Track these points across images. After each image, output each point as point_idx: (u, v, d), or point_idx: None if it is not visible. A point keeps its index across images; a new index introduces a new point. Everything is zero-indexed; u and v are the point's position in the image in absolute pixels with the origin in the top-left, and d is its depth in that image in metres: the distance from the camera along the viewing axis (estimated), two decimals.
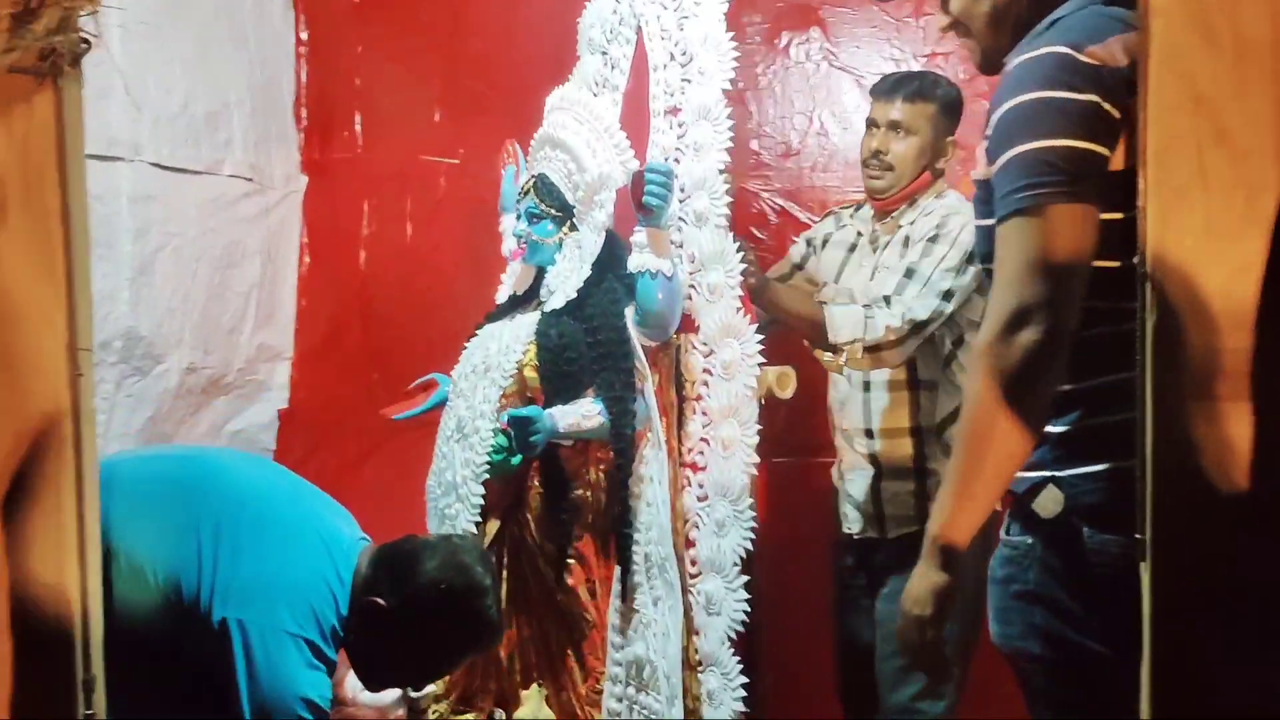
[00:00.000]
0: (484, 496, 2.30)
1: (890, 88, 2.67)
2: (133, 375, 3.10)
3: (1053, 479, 1.55)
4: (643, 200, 2.27)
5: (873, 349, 2.41)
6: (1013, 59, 1.53)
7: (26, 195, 1.52)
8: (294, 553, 1.98)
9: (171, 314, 3.22)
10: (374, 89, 3.82)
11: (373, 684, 2.14)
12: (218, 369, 3.47)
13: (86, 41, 1.54)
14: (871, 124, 2.67)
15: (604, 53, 2.63)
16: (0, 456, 1.54)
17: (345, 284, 3.83)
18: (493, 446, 2.28)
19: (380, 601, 1.95)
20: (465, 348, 2.52)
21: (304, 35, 3.84)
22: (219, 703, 1.92)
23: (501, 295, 2.68)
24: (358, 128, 3.87)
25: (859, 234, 2.76)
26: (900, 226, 2.62)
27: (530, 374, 2.36)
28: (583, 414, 2.30)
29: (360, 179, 3.85)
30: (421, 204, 3.77)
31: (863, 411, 2.59)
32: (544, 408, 2.30)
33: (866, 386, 2.59)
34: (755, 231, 3.52)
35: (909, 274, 2.48)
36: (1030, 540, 1.59)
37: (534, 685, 2.20)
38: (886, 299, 2.45)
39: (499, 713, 2.21)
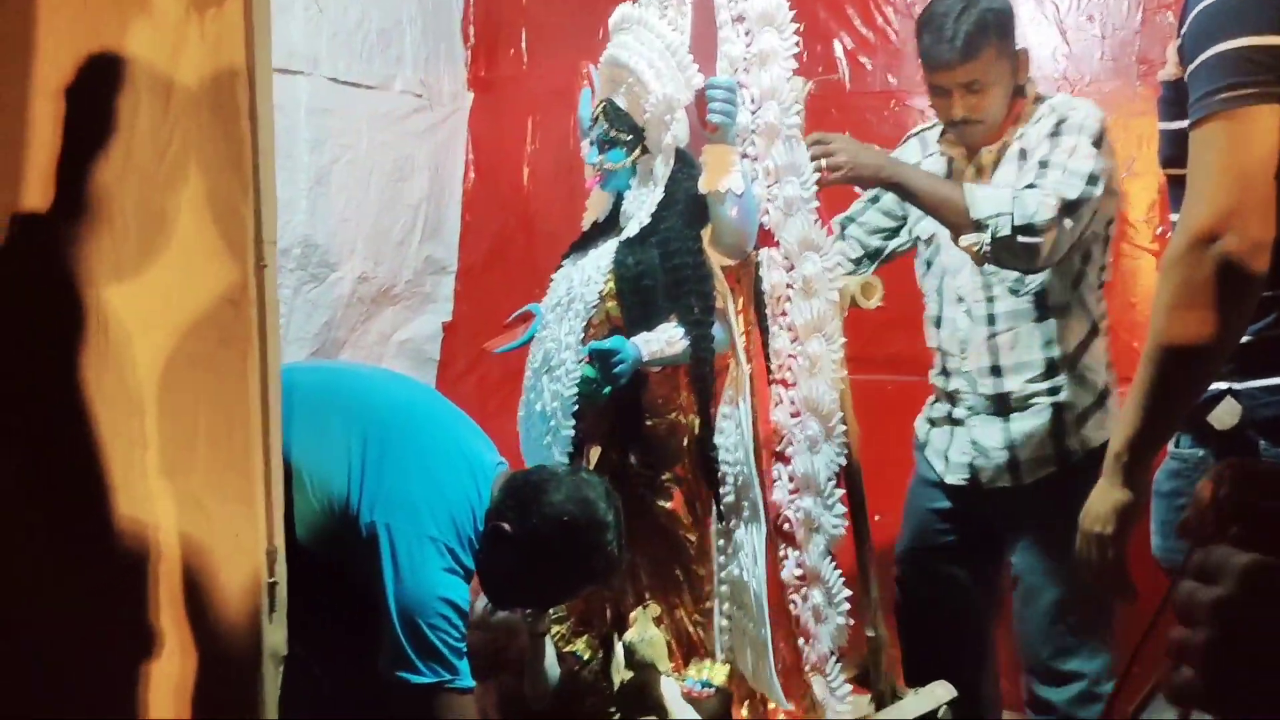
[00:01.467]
0: (576, 428, 2.32)
1: (945, 55, 2.34)
2: (310, 282, 3.25)
3: (1230, 391, 1.52)
4: (708, 118, 2.22)
5: (1024, 229, 2.16)
6: None
7: (217, 93, 1.62)
8: (438, 467, 2.09)
9: (345, 224, 3.36)
10: (539, 7, 3.87)
11: (498, 604, 2.27)
12: (386, 279, 3.61)
13: None
14: (940, 92, 2.39)
15: None
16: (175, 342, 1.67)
17: (508, 200, 3.92)
18: (579, 379, 2.29)
19: (506, 527, 2.04)
20: (552, 280, 2.53)
21: None
22: (370, 610, 2.04)
23: (585, 223, 2.65)
24: (523, 46, 3.92)
25: (952, 161, 2.51)
26: (1008, 145, 2.41)
27: (612, 304, 2.35)
28: (666, 340, 2.28)
29: (525, 96, 3.92)
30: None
31: (988, 348, 2.40)
32: (627, 336, 2.30)
33: (991, 320, 2.40)
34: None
35: (1044, 165, 2.27)
36: (1202, 453, 1.55)
37: (641, 607, 2.23)
38: (1029, 186, 2.24)
39: (614, 634, 2.26)
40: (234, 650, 1.69)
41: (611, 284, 2.30)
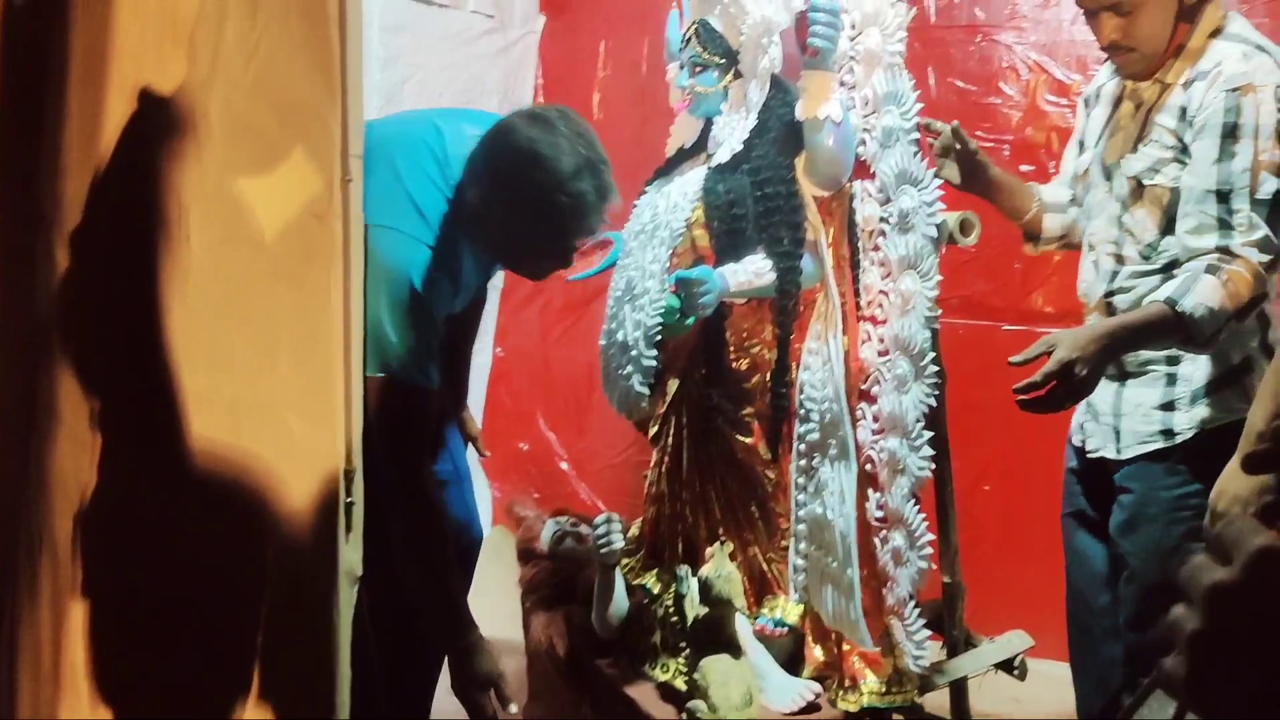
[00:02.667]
0: (657, 358, 2.27)
1: None
2: None
3: None
4: (808, 42, 2.13)
5: (1201, 324, 1.93)
6: None
7: (307, 3, 1.57)
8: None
9: None
10: None
11: (523, 272, 2.50)
12: None
13: None
14: (1089, 11, 2.12)
15: None
16: (272, 254, 1.64)
17: None
18: (664, 308, 2.23)
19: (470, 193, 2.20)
20: (635, 206, 2.46)
21: None
22: None
23: (670, 148, 2.54)
24: None
25: (1123, 85, 2.26)
26: (1168, 86, 2.13)
27: (699, 233, 2.27)
28: (754, 271, 2.19)
29: (597, 20, 3.84)
30: (657, 48, 3.73)
31: (1105, 306, 2.22)
32: (714, 266, 2.22)
33: (1113, 276, 2.21)
34: (1005, 88, 3.35)
35: (1223, 199, 1.99)
36: None
37: (718, 542, 2.20)
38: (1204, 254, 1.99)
39: (684, 568, 2.23)
40: (307, 569, 1.68)
41: (700, 212, 2.24)
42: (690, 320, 2.15)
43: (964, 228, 2.16)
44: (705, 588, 2.09)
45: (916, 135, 2.16)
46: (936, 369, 2.13)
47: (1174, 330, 1.93)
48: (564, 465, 3.97)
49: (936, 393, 2.13)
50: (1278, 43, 2.07)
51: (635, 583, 2.35)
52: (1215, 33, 2.08)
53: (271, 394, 1.62)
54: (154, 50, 1.64)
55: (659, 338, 2.22)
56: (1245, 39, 2.06)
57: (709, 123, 2.34)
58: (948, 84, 3.43)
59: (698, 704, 2.05)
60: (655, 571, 2.39)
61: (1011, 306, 3.34)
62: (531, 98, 3.86)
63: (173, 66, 1.62)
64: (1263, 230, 1.96)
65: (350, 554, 1.66)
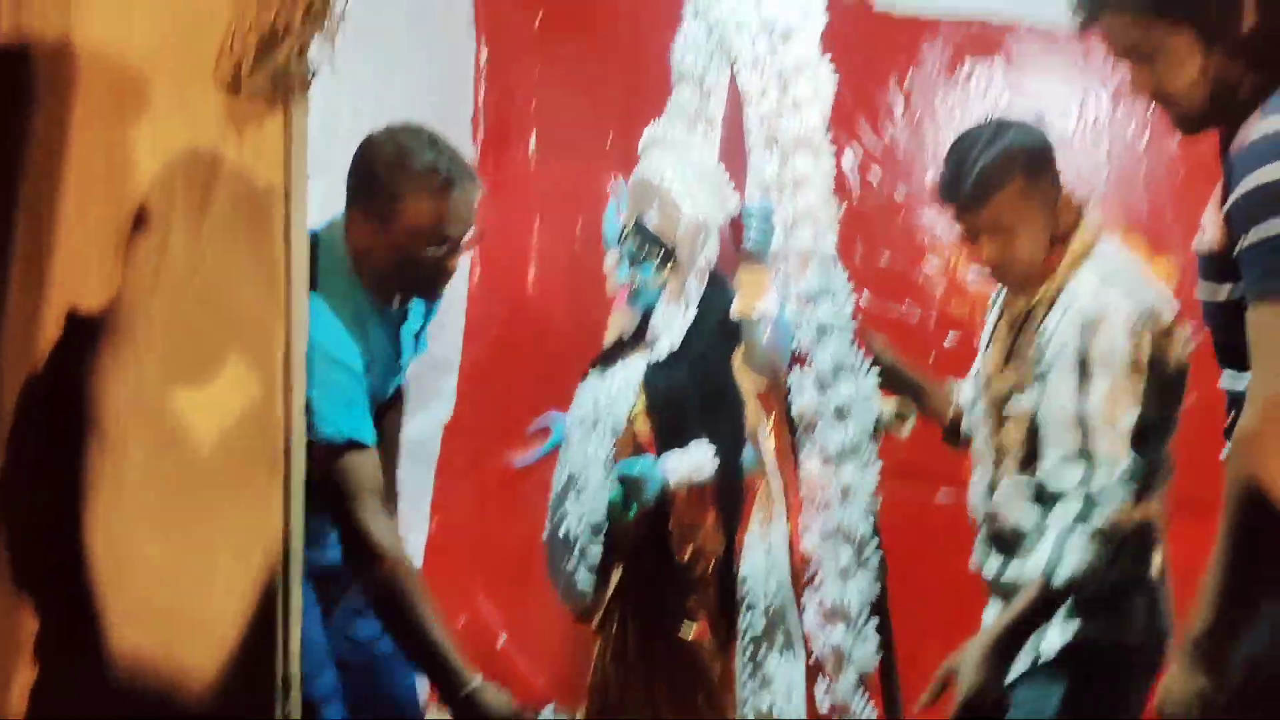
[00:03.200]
0: (602, 551, 2.28)
1: (952, 190, 2.06)
2: None
3: None
4: (744, 241, 2.22)
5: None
6: (1262, 124, 1.43)
7: (254, 212, 1.60)
8: None
9: None
10: (549, 110, 3.89)
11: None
12: None
13: (315, 70, 1.61)
14: (962, 236, 2.10)
15: (698, 83, 2.57)
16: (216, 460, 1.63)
17: (514, 299, 3.90)
18: (608, 500, 2.25)
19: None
20: (577, 393, 2.50)
21: (484, 57, 3.94)
22: None
23: (609, 337, 2.63)
24: (532, 147, 3.94)
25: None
26: (1033, 309, 2.06)
27: (641, 424, 2.33)
28: (695, 463, 2.27)
29: (533, 196, 3.92)
30: (592, 224, 3.82)
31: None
32: (656, 457, 2.26)
33: (990, 491, 2.10)
34: (928, 262, 3.46)
35: (1083, 430, 1.95)
36: None
37: None
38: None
39: None
40: None
41: (641, 403, 2.27)
42: (634, 512, 2.16)
43: (899, 417, 2.21)
44: None
45: (852, 326, 2.23)
46: (879, 555, 2.15)
47: (1058, 600, 1.89)
48: (503, 641, 3.89)
49: (880, 581, 2.15)
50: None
51: None
52: (1084, 256, 2.05)
53: (208, 606, 1.59)
54: (95, 259, 1.65)
55: (603, 530, 2.22)
56: (1107, 266, 2.04)
57: (647, 313, 2.40)
58: (873, 257, 3.54)
59: None
60: None
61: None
62: (468, 276, 3.91)
63: (111, 277, 1.63)
64: (1125, 462, 1.91)
65: None
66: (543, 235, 3.94)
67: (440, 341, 3.79)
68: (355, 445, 1.92)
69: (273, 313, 1.61)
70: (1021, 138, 2.06)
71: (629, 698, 2.29)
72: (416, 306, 2.25)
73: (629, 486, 2.15)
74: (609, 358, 2.47)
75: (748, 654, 2.20)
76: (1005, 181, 2.02)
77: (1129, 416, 1.94)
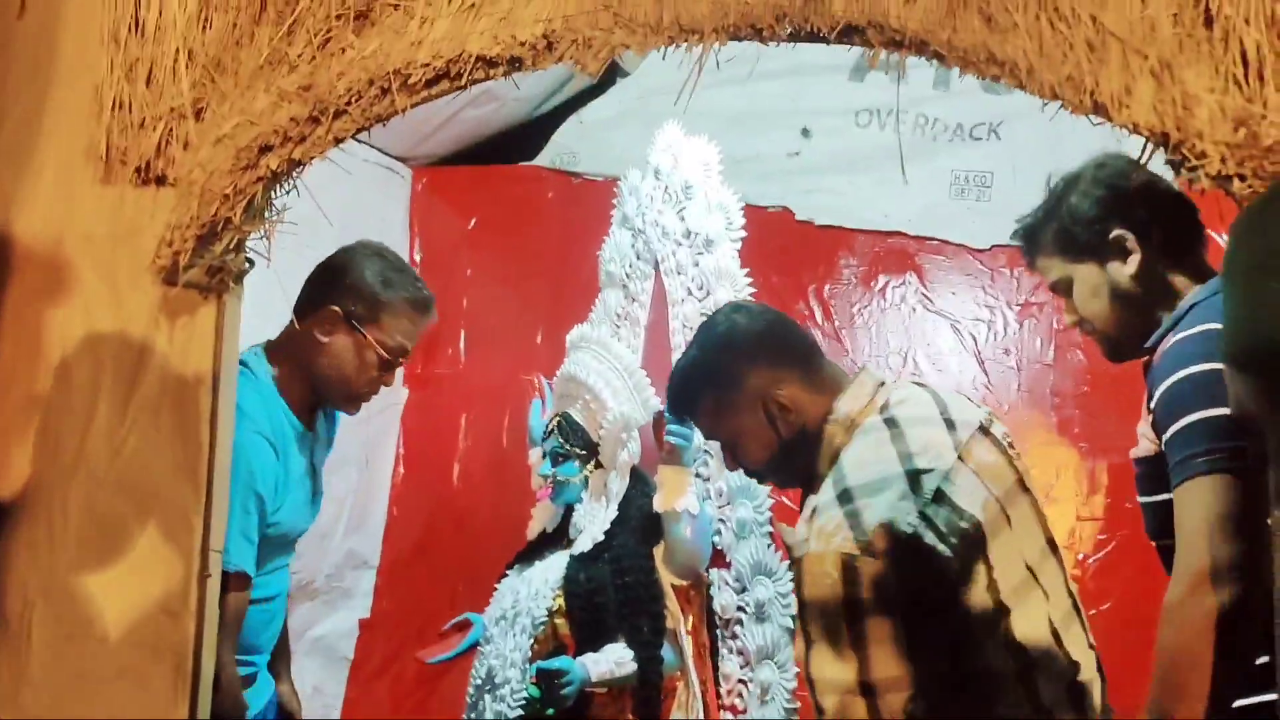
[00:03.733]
0: None
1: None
2: None
3: None
4: (665, 439, 2.28)
5: None
6: (1168, 340, 1.61)
7: (181, 398, 1.61)
8: None
9: None
10: (479, 309, 3.98)
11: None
12: (307, 574, 3.49)
13: (250, 261, 1.65)
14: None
15: (624, 287, 2.66)
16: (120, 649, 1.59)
17: (438, 496, 3.88)
18: (524, 698, 2.23)
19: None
20: (496, 589, 2.49)
21: (418, 257, 4.05)
22: None
23: (532, 532, 2.65)
24: (461, 345, 4.01)
25: None
26: None
27: (561, 621, 2.33)
28: (615, 661, 2.25)
29: (460, 394, 3.96)
30: (518, 421, 3.85)
31: None
32: (575, 654, 2.25)
33: None
34: None
35: None
36: None
37: None
38: None
39: None
40: None
41: (561, 600, 2.27)
42: (551, 711, 2.13)
43: None
44: None
45: (769, 528, 2.26)
46: None
47: None
48: None
49: None
50: None
51: None
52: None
53: None
54: (14, 442, 1.64)
55: None
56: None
57: (570, 509, 2.42)
58: None
59: None
60: None
61: None
62: (392, 467, 3.90)
63: (20, 460, 1.62)
64: None
65: None
66: (469, 432, 3.97)
67: (360, 538, 3.75)
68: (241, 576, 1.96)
69: (194, 500, 1.60)
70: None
71: None
72: (325, 422, 2.33)
73: (547, 683, 2.11)
74: (529, 554, 2.47)
75: None
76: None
77: None
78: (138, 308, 1.61)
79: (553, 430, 2.42)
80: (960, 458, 1.58)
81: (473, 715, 2.28)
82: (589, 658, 2.19)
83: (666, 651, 2.23)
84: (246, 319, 3.03)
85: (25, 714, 1.55)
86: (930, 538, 1.48)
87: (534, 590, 2.30)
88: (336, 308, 2.13)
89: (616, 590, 2.25)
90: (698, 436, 2.28)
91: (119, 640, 1.58)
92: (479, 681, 2.30)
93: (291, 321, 2.21)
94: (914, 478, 1.51)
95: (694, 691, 2.20)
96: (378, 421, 3.81)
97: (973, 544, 1.52)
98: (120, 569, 1.59)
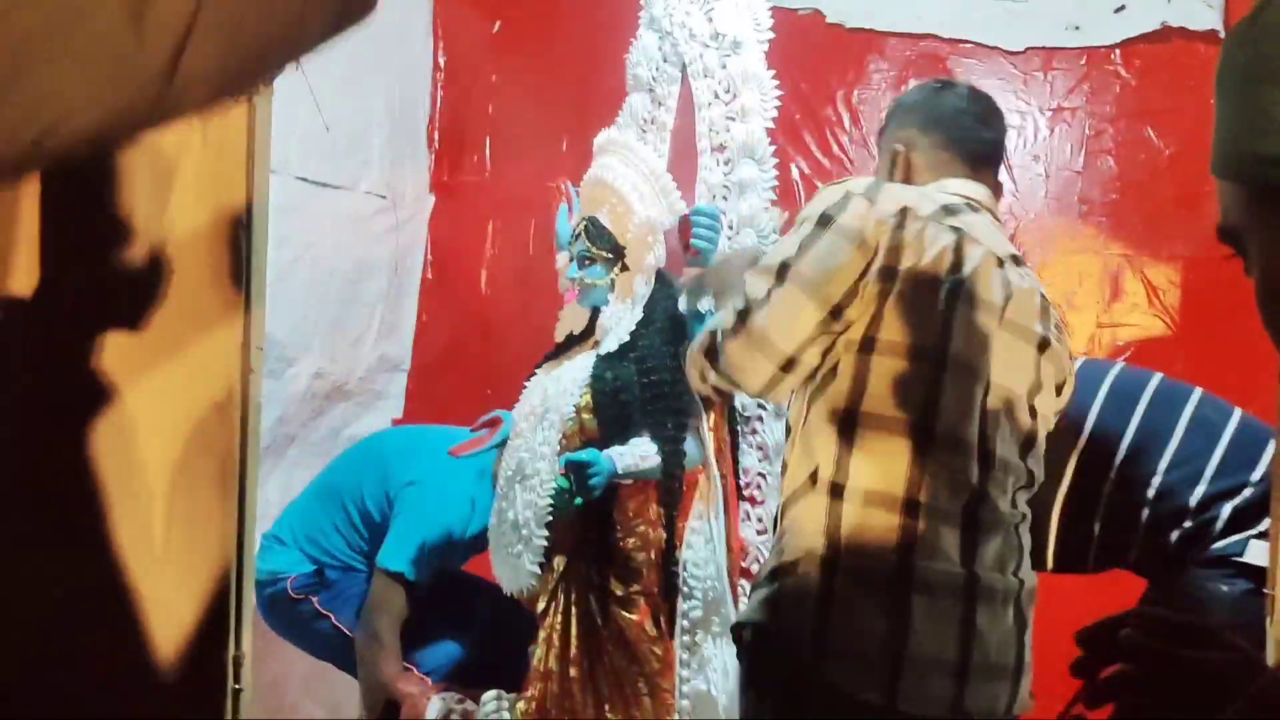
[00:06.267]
0: (548, 538, 2.35)
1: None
2: (268, 377, 3.23)
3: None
4: (691, 242, 2.31)
5: None
6: None
7: (217, 202, 1.64)
8: None
9: (304, 321, 3.37)
10: (505, 116, 3.96)
11: None
12: (341, 376, 3.61)
13: None
14: None
15: (650, 90, 2.65)
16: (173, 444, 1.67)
17: (465, 302, 3.95)
18: (554, 489, 2.33)
19: None
20: (525, 388, 2.58)
21: (442, 61, 4.00)
22: None
23: (559, 334, 2.72)
24: (487, 152, 4.00)
25: None
26: None
27: (588, 417, 2.40)
28: (640, 454, 2.34)
29: (486, 202, 3.98)
30: (545, 229, 3.88)
31: None
32: (601, 449, 2.34)
33: None
34: None
35: None
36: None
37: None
38: None
39: None
40: None
41: (588, 397, 2.34)
42: (579, 501, 2.23)
43: None
44: None
45: None
46: None
47: None
48: None
49: None
50: None
51: None
52: None
53: (163, 583, 1.62)
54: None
55: (550, 518, 2.29)
56: None
57: (596, 311, 2.47)
58: None
59: None
60: None
61: None
62: (420, 275, 3.96)
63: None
64: None
65: None
66: (496, 239, 4.00)
67: (391, 342, 3.84)
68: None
69: (234, 302, 1.65)
70: None
71: (573, 685, 2.35)
72: None
73: (576, 475, 2.21)
74: (557, 353, 2.54)
75: (686, 639, 2.27)
76: None
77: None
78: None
79: (580, 234, 2.45)
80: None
81: (503, 503, 2.39)
82: (615, 451, 2.28)
83: (690, 445, 2.32)
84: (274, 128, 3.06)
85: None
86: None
87: (562, 388, 2.38)
88: None
89: (641, 388, 2.33)
90: (722, 241, 2.32)
91: (169, 436, 1.65)
92: (509, 473, 2.40)
93: None
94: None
95: (715, 483, 2.30)
96: (406, 229, 3.85)
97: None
98: (166, 367, 1.65)
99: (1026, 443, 1.71)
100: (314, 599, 2.84)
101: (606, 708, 2.31)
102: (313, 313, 3.41)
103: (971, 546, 1.62)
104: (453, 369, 3.94)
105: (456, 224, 4.00)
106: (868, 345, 1.61)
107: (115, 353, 1.58)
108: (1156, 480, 2.06)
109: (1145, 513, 2.07)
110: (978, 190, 1.79)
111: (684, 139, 2.55)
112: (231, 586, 1.66)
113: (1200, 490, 2.04)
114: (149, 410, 1.63)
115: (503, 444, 2.51)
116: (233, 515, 1.65)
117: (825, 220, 1.63)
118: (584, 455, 2.24)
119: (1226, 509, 2.02)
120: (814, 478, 1.62)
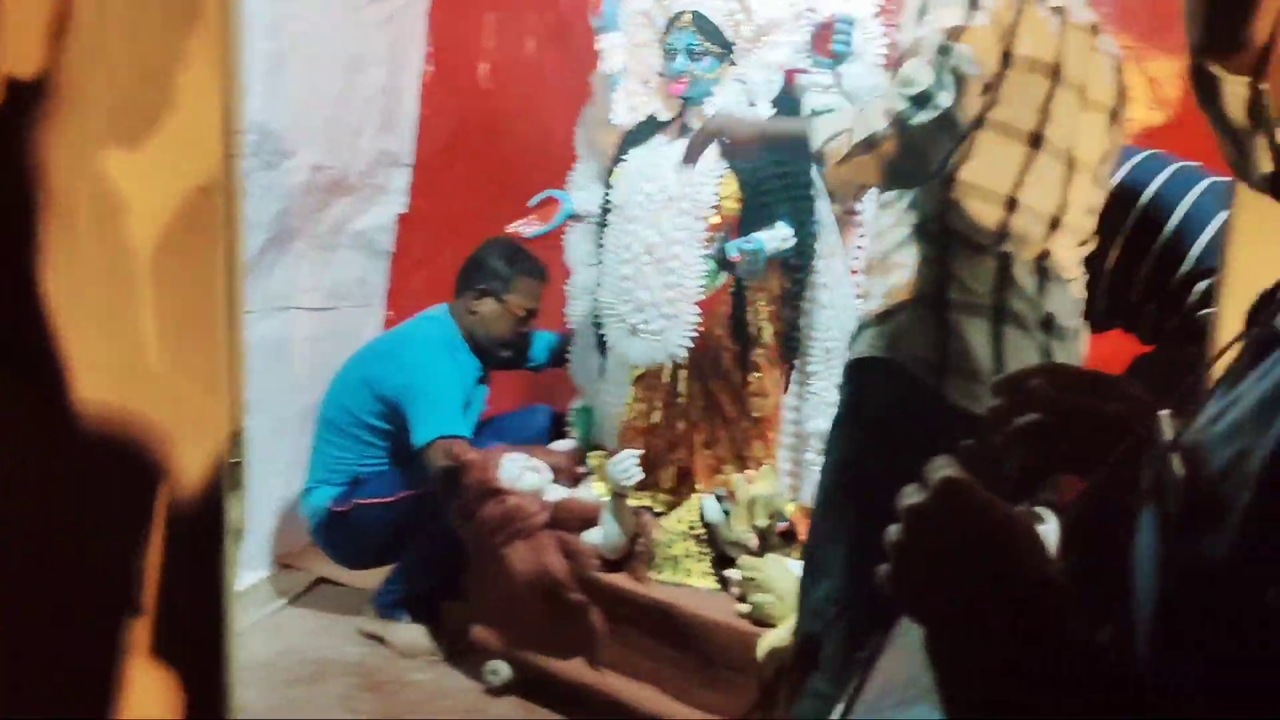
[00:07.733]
0: (698, 313, 2.66)
1: None
2: (264, 168, 3.25)
3: None
4: (832, 46, 2.51)
5: None
6: None
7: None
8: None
9: (300, 113, 3.35)
10: None
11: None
12: (341, 170, 3.61)
13: None
14: None
15: None
16: (157, 226, 1.70)
17: (466, 96, 3.91)
18: (707, 273, 2.62)
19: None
20: (620, 168, 2.77)
21: None
22: None
23: (617, 116, 2.84)
24: None
25: None
26: None
27: (730, 204, 2.65)
28: (782, 237, 2.61)
29: None
30: (543, 22, 3.80)
31: None
32: (739, 234, 2.62)
33: None
34: None
35: None
36: None
37: (766, 466, 2.66)
38: None
39: (708, 498, 2.65)
40: (197, 526, 1.75)
41: (733, 185, 2.63)
42: (720, 279, 2.61)
43: None
44: (752, 504, 2.53)
45: None
46: None
47: None
48: None
49: None
50: None
51: (638, 504, 2.73)
52: None
53: (161, 361, 1.69)
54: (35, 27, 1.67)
55: (701, 297, 2.65)
56: None
57: (685, 101, 2.73)
58: None
59: (765, 598, 2.38)
60: (652, 492, 2.79)
61: None
62: (420, 67, 3.90)
63: (41, 46, 1.66)
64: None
65: (235, 511, 1.74)
66: (495, 32, 3.93)
67: (392, 136, 3.83)
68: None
69: (211, 86, 1.65)
70: None
71: (685, 438, 2.76)
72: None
73: (750, 259, 2.52)
74: (643, 135, 2.80)
75: (797, 389, 2.70)
76: None
77: None
78: None
79: (685, 26, 2.62)
80: None
81: (627, 284, 2.70)
82: (764, 234, 2.60)
83: (817, 225, 2.64)
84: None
85: (83, 284, 1.68)
86: None
87: (691, 175, 2.60)
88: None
89: (776, 179, 2.60)
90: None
91: (157, 214, 1.69)
92: (633, 253, 2.69)
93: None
94: None
95: (843, 260, 2.66)
96: (402, 19, 3.78)
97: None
98: (147, 149, 1.67)
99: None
100: (356, 500, 3.18)
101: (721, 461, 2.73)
102: (308, 104, 3.39)
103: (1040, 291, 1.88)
104: (457, 163, 3.93)
105: (455, 14, 3.92)
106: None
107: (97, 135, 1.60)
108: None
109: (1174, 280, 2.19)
110: None
111: None
112: (224, 357, 1.71)
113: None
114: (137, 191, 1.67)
115: (565, 222, 2.90)
116: (221, 292, 1.70)
117: None
118: (751, 243, 2.54)
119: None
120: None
